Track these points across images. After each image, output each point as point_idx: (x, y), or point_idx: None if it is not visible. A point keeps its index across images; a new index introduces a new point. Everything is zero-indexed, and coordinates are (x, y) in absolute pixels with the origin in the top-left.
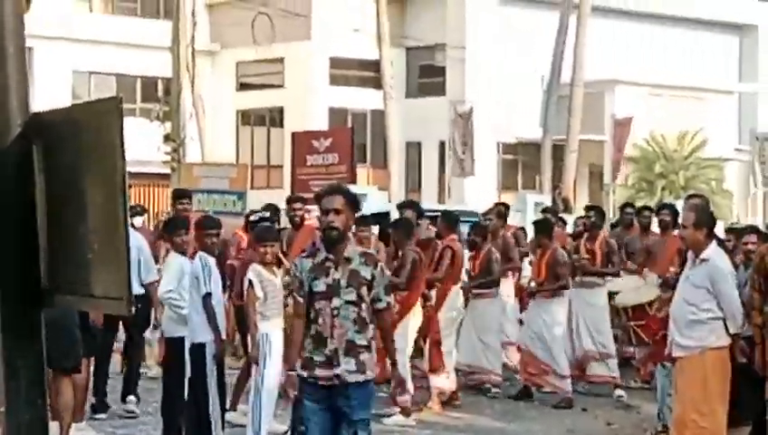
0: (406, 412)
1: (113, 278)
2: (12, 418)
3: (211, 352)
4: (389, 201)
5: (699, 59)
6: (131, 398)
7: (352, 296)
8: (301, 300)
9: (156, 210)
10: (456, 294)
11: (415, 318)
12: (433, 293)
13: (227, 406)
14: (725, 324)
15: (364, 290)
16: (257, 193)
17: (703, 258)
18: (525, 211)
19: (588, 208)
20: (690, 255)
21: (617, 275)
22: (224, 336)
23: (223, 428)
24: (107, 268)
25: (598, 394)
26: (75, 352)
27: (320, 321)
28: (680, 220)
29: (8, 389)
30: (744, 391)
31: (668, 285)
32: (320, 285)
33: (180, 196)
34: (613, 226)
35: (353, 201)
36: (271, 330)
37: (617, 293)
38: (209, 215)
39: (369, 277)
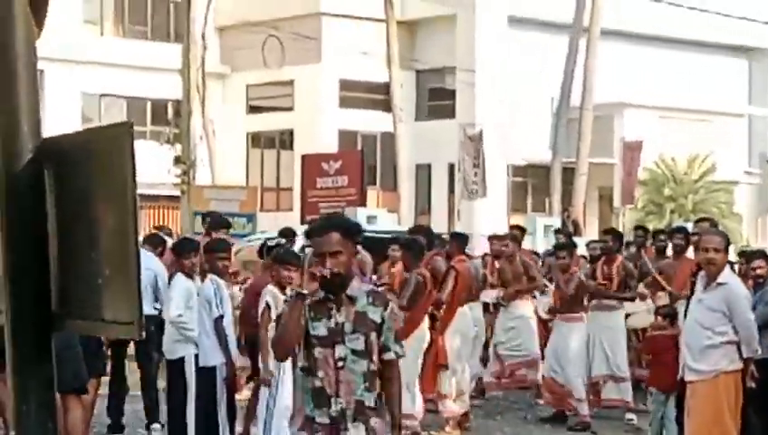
0: None
1: (124, 303)
2: None
3: (222, 376)
4: (399, 223)
5: (709, 82)
6: (156, 425)
7: (360, 344)
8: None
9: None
10: (462, 316)
11: (420, 341)
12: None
13: (240, 432)
14: (739, 348)
15: (373, 337)
16: (267, 215)
17: (720, 282)
18: (535, 234)
19: (605, 232)
20: (701, 278)
21: (634, 299)
22: (235, 360)
23: None
24: (118, 293)
25: (607, 417)
26: (81, 372)
27: (320, 374)
28: (699, 243)
29: (19, 412)
30: (752, 416)
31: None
32: (320, 328)
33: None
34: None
35: (351, 232)
36: None
37: (629, 315)
38: (221, 238)
39: (378, 320)
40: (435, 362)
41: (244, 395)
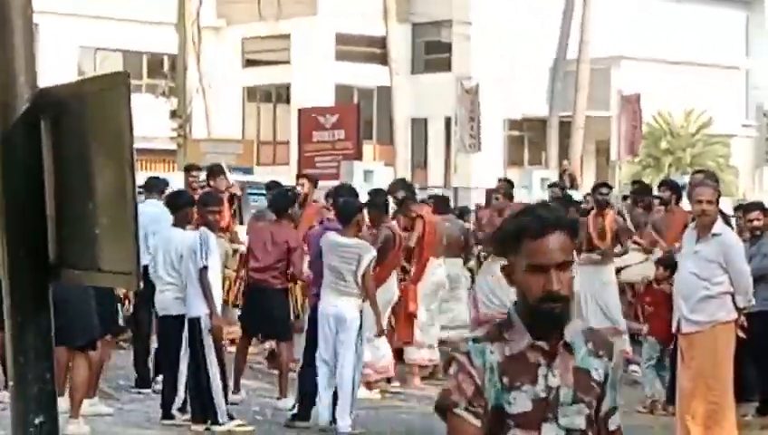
0: (369, 386)
1: (121, 253)
2: (20, 392)
3: (207, 326)
4: (395, 177)
5: (706, 34)
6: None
7: (580, 422)
8: (475, 422)
9: None
10: (435, 267)
11: (389, 293)
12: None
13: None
14: (734, 298)
15: (594, 404)
16: (263, 169)
17: (714, 233)
18: (531, 187)
19: (597, 185)
20: (692, 230)
21: (625, 253)
22: (219, 311)
23: (227, 402)
24: (115, 243)
25: None
26: (89, 329)
27: None
28: (690, 196)
29: (16, 363)
30: (748, 368)
31: (663, 263)
32: (521, 401)
33: (189, 168)
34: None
35: (576, 232)
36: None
37: (623, 268)
38: (210, 192)
39: (601, 378)
40: (406, 312)
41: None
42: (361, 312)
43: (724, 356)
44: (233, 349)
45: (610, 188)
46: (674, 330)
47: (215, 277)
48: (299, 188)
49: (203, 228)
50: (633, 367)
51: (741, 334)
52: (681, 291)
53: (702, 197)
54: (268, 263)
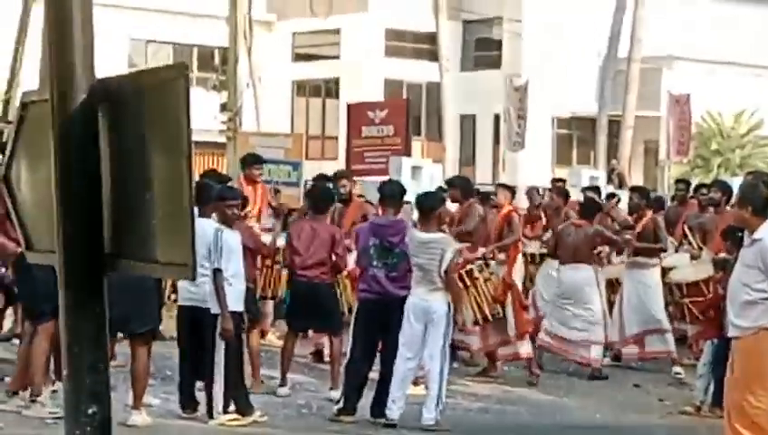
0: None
1: (178, 244)
2: (73, 382)
3: (217, 326)
4: (444, 174)
5: (757, 35)
6: None
7: None
8: None
9: None
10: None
11: None
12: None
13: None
14: None
15: None
16: (311, 164)
17: (755, 238)
18: (580, 186)
19: (631, 190)
20: (747, 234)
21: (662, 251)
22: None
23: (228, 406)
24: (171, 234)
25: (650, 370)
26: (151, 318)
27: None
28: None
29: (70, 353)
30: None
31: (716, 264)
32: None
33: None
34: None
35: None
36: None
37: (671, 269)
38: (230, 185)
39: None
40: (520, 306)
41: (268, 340)
42: (449, 305)
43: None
44: (264, 341)
45: (688, 184)
46: (725, 334)
47: (234, 274)
48: (342, 190)
49: (219, 226)
50: (677, 368)
51: None
52: (729, 295)
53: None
54: (314, 258)
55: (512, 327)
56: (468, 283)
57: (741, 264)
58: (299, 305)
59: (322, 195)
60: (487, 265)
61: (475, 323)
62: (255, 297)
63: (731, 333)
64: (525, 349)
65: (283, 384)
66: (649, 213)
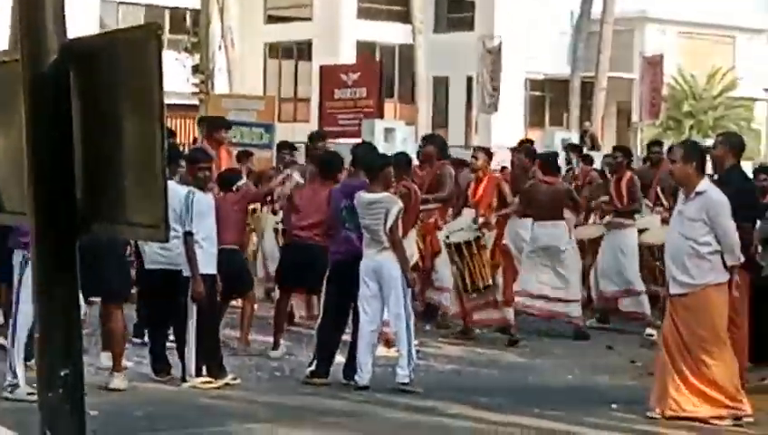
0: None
1: (149, 205)
2: (47, 344)
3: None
4: (416, 136)
5: None
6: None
7: None
8: None
9: (183, 141)
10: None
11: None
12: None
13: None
14: (723, 259)
15: None
16: (284, 126)
17: (698, 191)
18: (552, 148)
19: (614, 149)
20: (681, 190)
21: (636, 212)
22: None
23: (206, 372)
24: (143, 195)
25: (623, 331)
26: (124, 281)
27: None
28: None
29: (43, 315)
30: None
31: None
32: None
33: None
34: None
35: None
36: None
37: (643, 231)
38: (200, 147)
39: None
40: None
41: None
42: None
43: (719, 319)
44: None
45: (661, 145)
46: (663, 293)
47: (205, 236)
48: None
49: (190, 189)
50: (649, 330)
51: (735, 294)
52: (669, 253)
53: (673, 156)
54: (309, 220)
55: (500, 293)
56: (475, 251)
57: (682, 218)
58: (293, 265)
59: (331, 161)
60: (482, 234)
61: (465, 290)
62: (244, 263)
63: (673, 290)
64: (510, 315)
65: (276, 347)
66: (629, 173)
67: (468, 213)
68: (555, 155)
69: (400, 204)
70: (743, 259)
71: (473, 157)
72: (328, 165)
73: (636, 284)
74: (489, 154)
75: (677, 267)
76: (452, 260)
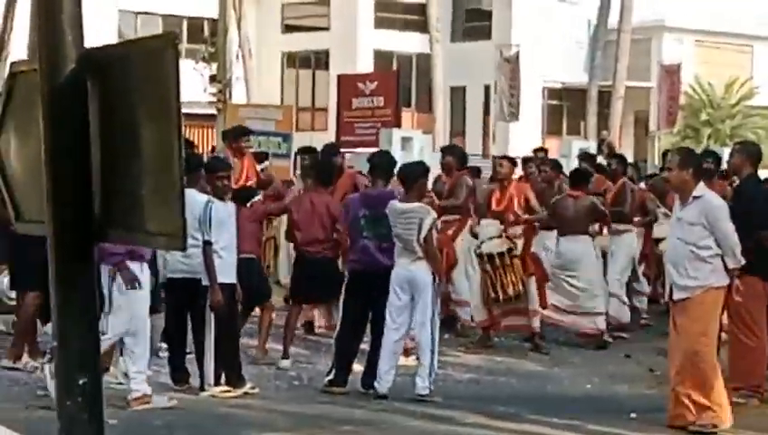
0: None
1: (167, 214)
2: (64, 350)
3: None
4: (434, 145)
5: (749, 6)
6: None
7: None
8: None
9: (201, 151)
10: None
11: None
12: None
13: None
14: (724, 262)
15: None
16: (301, 135)
17: (695, 196)
18: (570, 157)
19: (611, 156)
20: (677, 197)
21: (625, 221)
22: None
23: (220, 381)
24: (161, 204)
25: (640, 340)
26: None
27: None
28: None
29: (60, 323)
30: None
31: None
32: None
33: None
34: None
35: None
36: None
37: (661, 240)
38: (218, 156)
39: None
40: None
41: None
42: (433, 274)
43: (713, 322)
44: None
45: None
46: (665, 299)
47: (224, 246)
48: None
49: (210, 198)
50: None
51: (738, 298)
52: (669, 259)
53: (669, 164)
54: (314, 236)
55: (534, 300)
56: (508, 261)
57: (681, 224)
58: (303, 279)
59: (328, 168)
60: (515, 245)
61: (496, 301)
62: (262, 272)
63: (676, 295)
64: (536, 323)
65: (285, 357)
66: (622, 180)
67: (492, 223)
68: (588, 168)
69: (434, 214)
70: (743, 261)
71: (498, 165)
72: (325, 173)
73: (613, 288)
74: (513, 162)
75: (679, 272)
76: (483, 270)
